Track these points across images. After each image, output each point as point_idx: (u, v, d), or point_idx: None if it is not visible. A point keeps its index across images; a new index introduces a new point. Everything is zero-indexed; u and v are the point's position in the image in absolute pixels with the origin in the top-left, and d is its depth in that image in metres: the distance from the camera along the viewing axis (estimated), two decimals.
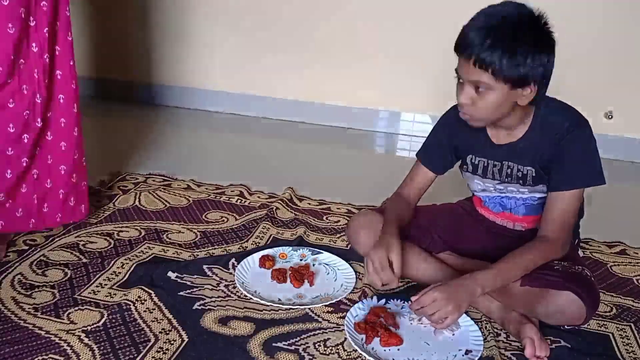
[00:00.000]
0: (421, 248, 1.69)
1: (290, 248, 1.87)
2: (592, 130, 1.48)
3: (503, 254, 1.49)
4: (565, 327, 1.52)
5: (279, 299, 1.61)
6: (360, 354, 1.40)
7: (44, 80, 1.70)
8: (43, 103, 1.71)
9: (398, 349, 1.43)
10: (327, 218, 2.17)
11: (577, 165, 1.47)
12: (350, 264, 1.79)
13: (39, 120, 1.71)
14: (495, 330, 1.53)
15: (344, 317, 1.52)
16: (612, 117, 3.06)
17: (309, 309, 1.57)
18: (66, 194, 1.84)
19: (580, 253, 1.69)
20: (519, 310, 1.51)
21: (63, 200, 1.84)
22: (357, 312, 1.55)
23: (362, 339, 1.44)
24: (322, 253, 1.85)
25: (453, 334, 1.49)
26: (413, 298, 1.44)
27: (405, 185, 1.74)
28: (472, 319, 1.54)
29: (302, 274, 1.71)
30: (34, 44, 1.66)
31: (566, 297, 1.43)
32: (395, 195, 1.73)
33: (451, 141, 1.66)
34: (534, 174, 1.52)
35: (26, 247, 1.79)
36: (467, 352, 1.43)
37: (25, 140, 1.70)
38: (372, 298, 1.61)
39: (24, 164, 1.72)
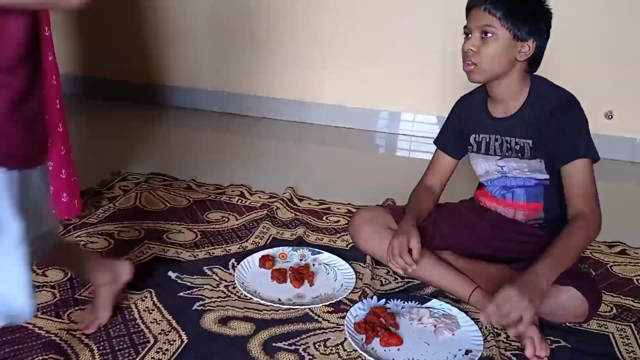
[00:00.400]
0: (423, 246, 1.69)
1: (290, 248, 1.88)
2: (581, 106, 1.57)
3: (506, 249, 1.54)
4: (567, 324, 1.52)
5: (279, 299, 1.61)
6: (360, 354, 1.40)
7: None
8: None
9: (398, 349, 1.43)
10: (327, 218, 2.17)
11: (573, 137, 1.53)
12: (350, 264, 1.79)
13: None
14: (495, 330, 1.53)
15: (344, 317, 1.52)
16: (612, 117, 3.06)
17: (309, 309, 1.57)
18: (57, 191, 1.84)
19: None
20: None
21: (55, 196, 1.83)
22: (357, 312, 1.55)
23: (362, 339, 1.45)
24: (322, 253, 1.85)
25: (453, 334, 1.49)
26: (489, 308, 1.34)
27: (427, 173, 1.80)
28: (472, 318, 1.54)
29: (302, 274, 1.71)
30: None
31: (568, 294, 1.44)
32: (418, 186, 1.78)
33: (459, 124, 1.74)
34: (530, 146, 1.58)
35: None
36: (467, 352, 1.43)
37: None
38: (372, 298, 1.62)
39: None
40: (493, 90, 1.62)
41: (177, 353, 1.38)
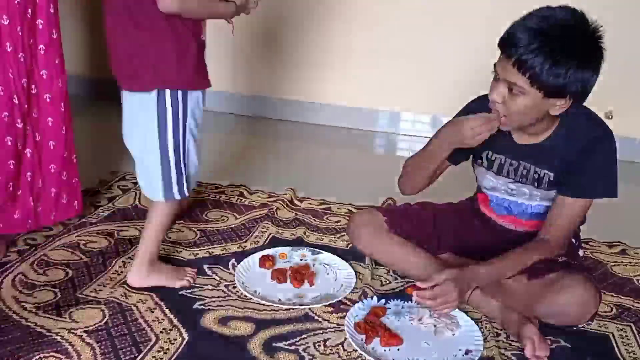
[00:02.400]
0: (423, 249, 1.69)
1: (290, 248, 1.88)
2: (615, 142, 1.47)
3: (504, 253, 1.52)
4: (567, 328, 1.52)
5: (279, 299, 1.62)
6: (360, 354, 1.40)
7: (20, 80, 1.65)
8: (22, 104, 1.68)
9: (398, 349, 1.43)
10: (327, 218, 2.17)
11: (596, 177, 1.46)
12: (350, 264, 1.79)
13: (19, 121, 1.68)
14: (495, 330, 1.53)
15: (344, 317, 1.53)
16: (612, 117, 3.05)
17: (309, 309, 1.57)
18: (58, 192, 1.83)
19: (581, 252, 1.69)
20: (520, 311, 1.51)
21: (55, 198, 1.83)
22: (357, 312, 1.55)
23: (362, 339, 1.45)
24: (322, 253, 1.86)
25: (453, 334, 1.49)
26: (419, 284, 1.45)
27: None
28: (472, 318, 1.55)
29: (302, 274, 1.71)
30: (7, 44, 1.61)
31: (566, 297, 1.44)
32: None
33: None
34: (551, 179, 1.50)
35: (27, 247, 1.80)
36: (467, 352, 1.43)
37: (9, 143, 1.67)
38: (372, 298, 1.62)
39: (11, 167, 1.70)
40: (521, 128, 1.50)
41: (178, 352, 1.38)
